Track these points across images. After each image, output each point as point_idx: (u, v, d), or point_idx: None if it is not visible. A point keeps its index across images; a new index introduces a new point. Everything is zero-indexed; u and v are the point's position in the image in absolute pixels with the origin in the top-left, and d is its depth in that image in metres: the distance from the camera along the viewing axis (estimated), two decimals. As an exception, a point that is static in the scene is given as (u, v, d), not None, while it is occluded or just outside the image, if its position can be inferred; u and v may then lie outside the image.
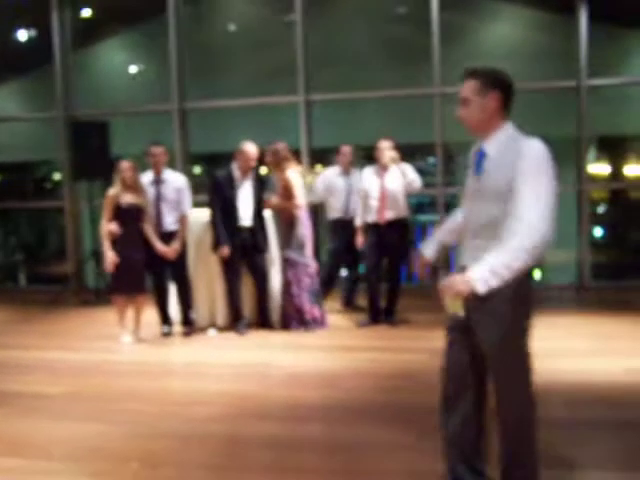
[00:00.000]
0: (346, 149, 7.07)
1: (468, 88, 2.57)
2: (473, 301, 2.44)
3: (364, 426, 3.90)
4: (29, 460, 3.51)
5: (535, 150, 2.45)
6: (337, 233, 7.05)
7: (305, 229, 6.37)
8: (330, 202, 7.13)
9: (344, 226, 6.87)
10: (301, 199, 6.31)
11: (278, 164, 6.34)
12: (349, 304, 7.28)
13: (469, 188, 2.70)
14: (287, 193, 6.29)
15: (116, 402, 4.44)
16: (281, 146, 6.38)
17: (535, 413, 2.69)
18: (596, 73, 8.14)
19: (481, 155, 2.61)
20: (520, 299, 2.55)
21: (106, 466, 3.40)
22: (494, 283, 2.35)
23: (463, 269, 2.56)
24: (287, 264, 6.35)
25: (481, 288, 2.35)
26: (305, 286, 6.33)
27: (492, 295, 2.39)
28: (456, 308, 2.47)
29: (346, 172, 7.03)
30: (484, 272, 2.35)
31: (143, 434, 3.84)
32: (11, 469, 3.41)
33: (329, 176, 7.17)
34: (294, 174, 6.35)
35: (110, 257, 5.86)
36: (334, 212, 7.10)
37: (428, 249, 3.08)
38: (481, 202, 2.58)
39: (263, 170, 7.35)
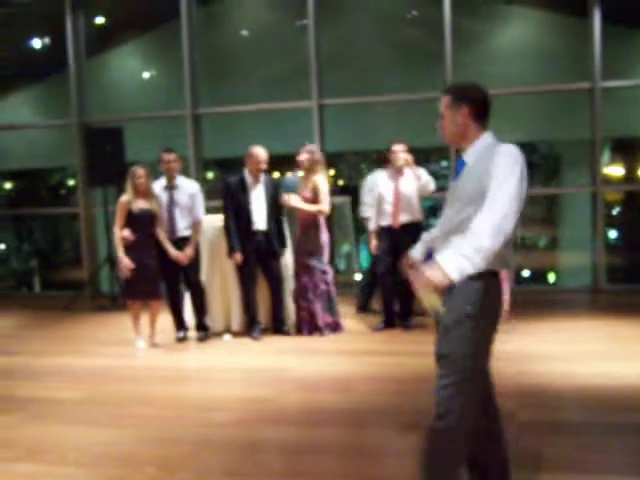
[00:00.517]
0: None
1: (442, 103, 2.68)
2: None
3: (379, 430, 3.89)
4: (45, 465, 3.52)
5: (507, 152, 2.51)
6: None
7: (324, 235, 6.33)
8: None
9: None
10: (327, 206, 6.22)
11: (310, 166, 6.25)
12: (364, 309, 7.25)
13: (448, 195, 2.76)
14: (315, 197, 6.20)
15: (131, 407, 4.45)
16: (315, 148, 6.35)
17: (459, 431, 2.53)
18: (610, 75, 8.11)
19: (461, 164, 2.68)
20: (482, 304, 2.50)
21: (122, 471, 3.40)
22: (468, 269, 2.37)
23: None
24: (305, 269, 6.29)
25: (456, 276, 2.36)
26: (320, 292, 6.30)
27: (456, 294, 2.44)
28: (434, 302, 2.42)
29: None
30: (456, 258, 2.36)
31: (159, 439, 3.85)
32: (27, 474, 3.43)
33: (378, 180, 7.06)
34: (323, 179, 6.27)
35: (125, 263, 5.89)
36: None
37: (417, 252, 3.15)
38: (455, 206, 2.64)
39: (275, 174, 7.29)
